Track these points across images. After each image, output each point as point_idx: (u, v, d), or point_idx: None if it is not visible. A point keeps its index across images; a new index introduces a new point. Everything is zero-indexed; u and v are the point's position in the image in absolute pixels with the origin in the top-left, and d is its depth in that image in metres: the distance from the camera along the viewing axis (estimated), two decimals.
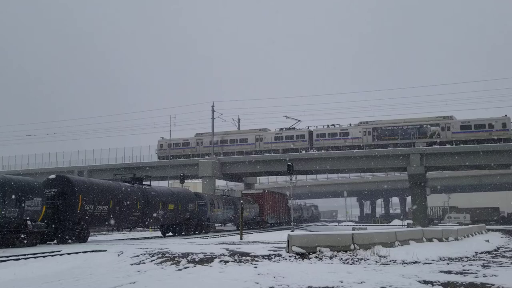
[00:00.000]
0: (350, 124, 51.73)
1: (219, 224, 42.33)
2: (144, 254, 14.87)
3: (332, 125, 52.33)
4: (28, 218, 18.43)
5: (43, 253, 14.89)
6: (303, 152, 51.50)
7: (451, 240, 22.40)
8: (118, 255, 15.06)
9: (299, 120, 54.95)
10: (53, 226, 20.73)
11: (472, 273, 11.14)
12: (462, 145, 46.22)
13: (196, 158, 55.26)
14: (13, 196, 17.83)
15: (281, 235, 23.79)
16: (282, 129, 54.54)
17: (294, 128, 54.17)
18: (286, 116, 54.41)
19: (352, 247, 15.19)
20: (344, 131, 51.24)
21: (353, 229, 34.72)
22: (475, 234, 28.88)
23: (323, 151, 50.64)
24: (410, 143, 48.01)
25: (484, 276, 10.55)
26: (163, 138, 58.54)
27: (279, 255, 14.40)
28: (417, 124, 48.78)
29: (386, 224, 67.92)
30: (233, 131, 57.76)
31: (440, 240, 21.43)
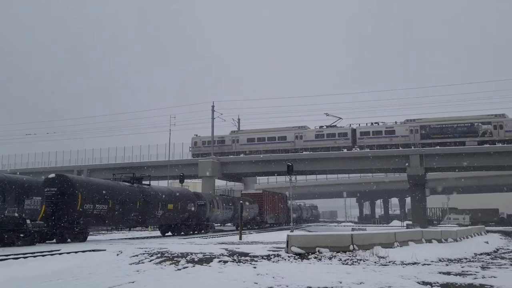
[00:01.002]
0: (395, 122, 50.34)
1: (219, 224, 42.32)
2: (143, 253, 14.87)
3: (376, 123, 50.90)
4: (27, 217, 18.43)
5: (43, 252, 14.89)
6: (345, 150, 50.29)
7: (450, 241, 22.39)
8: (117, 254, 15.06)
9: (340, 118, 53.31)
10: (52, 225, 20.73)
11: (471, 274, 11.15)
12: (461, 146, 46.22)
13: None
14: (13, 195, 17.83)
15: (281, 236, 23.79)
16: (322, 126, 53.02)
17: (335, 126, 52.66)
18: (326, 114, 52.93)
19: (351, 247, 15.20)
20: (390, 129, 49.71)
21: (353, 229, 34.63)
22: (475, 236, 28.88)
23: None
24: (461, 142, 46.71)
25: (483, 277, 10.56)
26: (197, 135, 57.40)
27: (278, 255, 14.40)
28: (467, 122, 47.37)
29: (386, 224, 67.98)
30: (270, 128, 55.69)
31: (439, 241, 21.43)
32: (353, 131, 51.14)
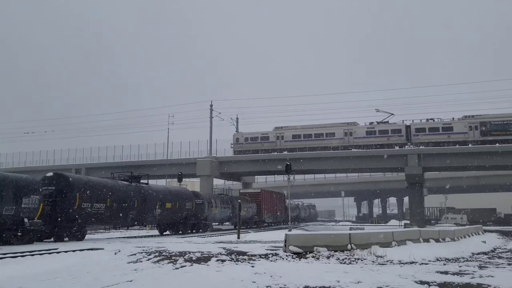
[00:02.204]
0: (452, 118, 48.57)
1: (217, 223, 42.33)
2: (141, 252, 14.86)
3: (431, 119, 49.11)
4: (25, 215, 18.41)
5: (40, 251, 14.88)
6: (397, 148, 48.52)
7: (448, 241, 22.44)
8: (115, 253, 15.05)
9: (392, 114, 51.20)
10: (50, 223, 20.70)
11: (468, 273, 11.17)
12: (459, 146, 46.28)
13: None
14: (10, 194, 17.81)
15: (279, 235, 23.83)
16: (372, 123, 50.88)
17: (387, 122, 50.49)
18: (377, 110, 50.98)
19: (349, 247, 15.21)
20: (447, 125, 47.66)
21: (351, 229, 34.78)
22: (472, 235, 28.95)
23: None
24: None
25: (481, 276, 10.59)
26: (237, 131, 55.99)
27: (276, 254, 14.41)
28: None
29: (383, 224, 68.13)
30: (316, 125, 53.48)
31: (437, 240, 21.47)
32: (407, 127, 49.07)
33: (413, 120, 49.66)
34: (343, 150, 50.05)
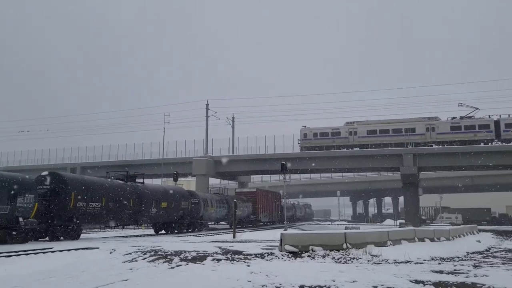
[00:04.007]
0: None
1: (212, 223, 42.30)
2: (137, 251, 14.83)
3: None
4: (20, 214, 18.31)
5: (35, 250, 14.81)
6: (482, 144, 46.32)
7: (443, 240, 22.54)
8: (111, 252, 15.01)
9: (476, 108, 48.60)
10: (45, 223, 20.61)
11: (463, 273, 11.22)
12: (454, 146, 46.47)
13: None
14: (5, 193, 17.71)
15: (274, 234, 23.83)
16: (454, 117, 48.47)
17: (472, 117, 47.92)
18: (460, 104, 48.92)
19: (344, 246, 15.25)
20: None
21: (346, 228, 34.89)
22: (467, 235, 29.09)
23: (317, 151, 50.49)
24: None
25: (475, 276, 10.63)
26: (305, 127, 53.11)
27: (272, 253, 14.42)
28: None
29: (379, 223, 68.25)
30: (393, 120, 51.09)
31: (432, 240, 21.57)
32: (496, 122, 46.55)
33: (500, 115, 47.31)
34: (341, 150, 50.09)
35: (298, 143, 52.70)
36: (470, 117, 48.18)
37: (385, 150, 48.34)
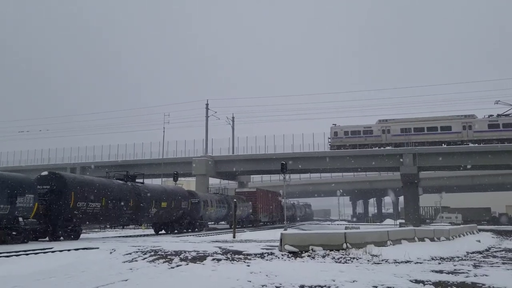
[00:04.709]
0: None
1: (212, 222, 42.31)
2: (137, 251, 14.83)
3: None
4: (20, 214, 18.32)
5: (35, 250, 14.81)
6: None
7: (443, 240, 22.55)
8: (111, 252, 15.01)
9: None
10: (45, 223, 20.61)
11: (463, 272, 11.22)
12: (454, 146, 46.46)
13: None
14: (5, 193, 17.71)
15: (274, 234, 23.84)
16: (491, 115, 47.22)
17: (510, 115, 46.68)
18: (497, 101, 47.68)
19: (344, 246, 15.25)
20: None
21: (346, 228, 34.81)
22: (467, 234, 29.09)
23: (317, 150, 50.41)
24: None
25: (475, 275, 10.63)
26: (335, 125, 51.97)
27: (272, 253, 14.41)
28: None
29: (379, 223, 68.25)
30: (428, 117, 49.77)
31: (432, 239, 21.57)
32: None
33: None
34: (338, 150, 50.06)
35: (329, 142, 51.58)
36: (507, 115, 47.07)
37: (385, 150, 48.33)
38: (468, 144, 46.45)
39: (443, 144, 46.94)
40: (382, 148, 48.69)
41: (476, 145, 45.77)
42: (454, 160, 46.10)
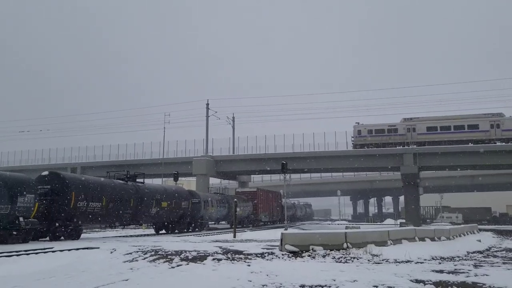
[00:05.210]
0: None
1: (213, 222, 42.29)
2: (137, 251, 14.83)
3: None
4: (20, 214, 18.32)
5: (35, 250, 14.81)
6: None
7: (444, 240, 22.53)
8: (111, 252, 15.00)
9: None
10: (45, 223, 20.62)
11: (463, 272, 11.21)
12: (454, 146, 46.40)
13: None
14: (6, 193, 17.72)
15: (275, 234, 23.83)
16: None
17: None
18: None
19: (345, 245, 15.25)
20: None
21: (346, 228, 34.78)
22: (467, 234, 29.09)
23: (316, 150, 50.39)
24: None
25: (476, 275, 10.63)
26: (358, 123, 50.90)
27: (272, 253, 14.41)
28: None
29: (379, 223, 68.26)
30: (454, 116, 48.73)
31: (432, 239, 21.56)
32: None
33: None
34: (338, 150, 50.02)
35: (352, 141, 50.61)
36: None
37: (386, 150, 48.30)
38: (496, 143, 45.83)
39: (469, 143, 46.30)
40: (382, 148, 48.63)
41: (477, 145, 45.71)
42: (454, 159, 46.05)
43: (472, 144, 45.78)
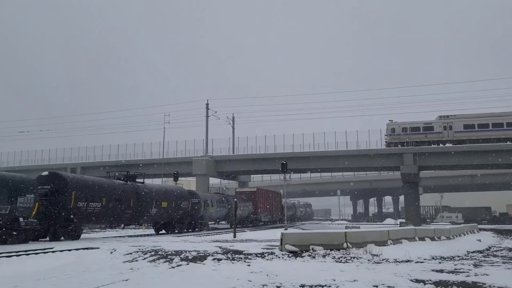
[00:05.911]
0: None
1: (213, 222, 42.29)
2: (137, 251, 14.83)
3: None
4: (20, 214, 18.32)
5: (36, 250, 14.81)
6: None
7: (443, 239, 22.54)
8: (111, 252, 15.01)
9: None
10: (45, 223, 20.61)
11: (463, 272, 11.21)
12: (454, 145, 46.39)
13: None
14: (5, 193, 17.71)
15: (275, 233, 23.83)
16: None
17: None
18: None
19: (345, 245, 15.25)
20: None
21: (346, 227, 34.87)
22: (467, 234, 29.08)
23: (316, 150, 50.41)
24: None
25: (476, 275, 10.63)
26: (392, 121, 49.39)
27: (272, 253, 14.41)
28: None
29: (379, 223, 68.27)
30: (493, 113, 47.32)
31: (432, 239, 21.56)
32: None
33: None
34: (338, 149, 49.98)
35: (385, 140, 49.31)
36: None
37: (386, 150, 48.29)
38: None
39: (507, 142, 45.18)
40: (382, 148, 48.61)
41: (475, 144, 45.64)
42: (454, 159, 46.04)
43: (510, 143, 44.53)
